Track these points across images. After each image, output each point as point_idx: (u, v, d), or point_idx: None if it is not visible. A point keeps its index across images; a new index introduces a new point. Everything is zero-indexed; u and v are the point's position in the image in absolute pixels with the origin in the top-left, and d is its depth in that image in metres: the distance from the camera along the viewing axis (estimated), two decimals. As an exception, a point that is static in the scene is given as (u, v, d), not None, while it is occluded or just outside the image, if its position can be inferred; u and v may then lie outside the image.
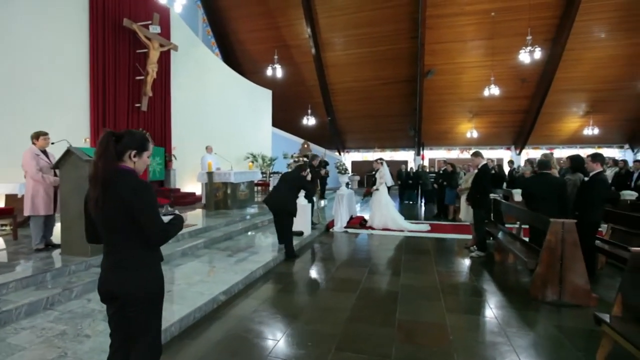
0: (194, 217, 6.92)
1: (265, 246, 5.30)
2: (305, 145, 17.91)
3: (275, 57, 12.34)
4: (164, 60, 9.48)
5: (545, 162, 4.81)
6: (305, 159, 6.91)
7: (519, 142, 16.65)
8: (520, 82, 13.90)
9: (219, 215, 7.00)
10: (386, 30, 13.97)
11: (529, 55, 9.78)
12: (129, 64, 8.61)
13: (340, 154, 20.67)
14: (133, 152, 1.55)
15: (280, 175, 5.34)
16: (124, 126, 8.50)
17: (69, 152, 3.74)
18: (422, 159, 17.78)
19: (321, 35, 14.76)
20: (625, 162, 8.91)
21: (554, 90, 13.62)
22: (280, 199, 4.99)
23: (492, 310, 3.22)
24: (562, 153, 15.88)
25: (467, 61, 13.93)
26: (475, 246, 5.27)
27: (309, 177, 5.39)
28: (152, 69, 8.78)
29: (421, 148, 17.64)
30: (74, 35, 7.30)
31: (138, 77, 8.78)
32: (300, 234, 5.94)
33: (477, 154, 5.20)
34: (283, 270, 4.48)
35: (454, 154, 18.36)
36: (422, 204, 12.61)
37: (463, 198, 5.69)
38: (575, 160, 4.94)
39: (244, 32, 15.38)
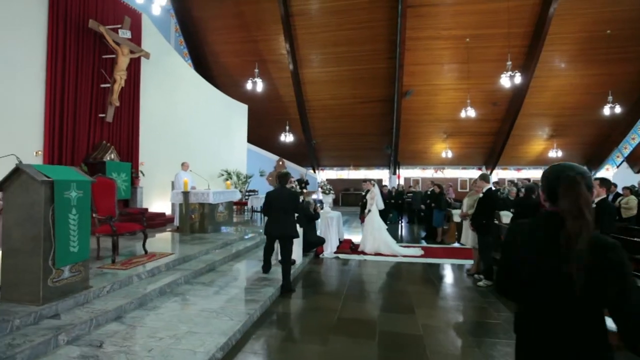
0: (167, 243, 6.10)
1: (256, 279, 4.64)
2: (280, 163, 17.35)
3: (256, 70, 11.84)
4: (134, 68, 8.66)
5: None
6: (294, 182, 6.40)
7: (490, 162, 17.21)
8: (491, 105, 14.44)
9: (196, 240, 6.22)
10: (364, 50, 14.04)
11: (509, 80, 10.11)
12: (93, 70, 7.72)
13: (315, 171, 20.27)
14: None
15: (266, 196, 4.80)
16: (84, 138, 7.55)
17: (18, 171, 2.96)
18: (398, 178, 17.82)
19: (299, 51, 14.53)
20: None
21: (523, 114, 14.27)
22: (286, 228, 4.52)
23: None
24: (529, 174, 16.61)
25: (443, 83, 14.27)
26: (482, 274, 4.97)
27: (297, 189, 5.03)
28: (121, 76, 7.94)
29: (397, 167, 17.69)
30: (29, 35, 6.39)
31: (103, 85, 7.90)
32: (292, 263, 5.34)
33: (483, 177, 4.97)
34: (281, 310, 3.86)
35: (428, 173, 18.62)
36: (403, 224, 12.43)
37: (466, 223, 5.43)
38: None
39: (219, 43, 14.80)
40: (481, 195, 4.94)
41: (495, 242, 5.44)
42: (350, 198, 20.12)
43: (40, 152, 6.64)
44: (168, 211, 9.61)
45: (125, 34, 8.03)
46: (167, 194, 9.83)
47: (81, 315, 2.92)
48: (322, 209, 6.92)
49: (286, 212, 4.53)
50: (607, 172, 15.84)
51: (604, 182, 4.13)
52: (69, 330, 2.67)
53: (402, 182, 17.77)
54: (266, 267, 4.94)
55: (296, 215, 5.60)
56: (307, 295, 4.41)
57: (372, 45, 13.83)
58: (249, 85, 11.90)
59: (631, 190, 7.94)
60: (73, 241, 3.11)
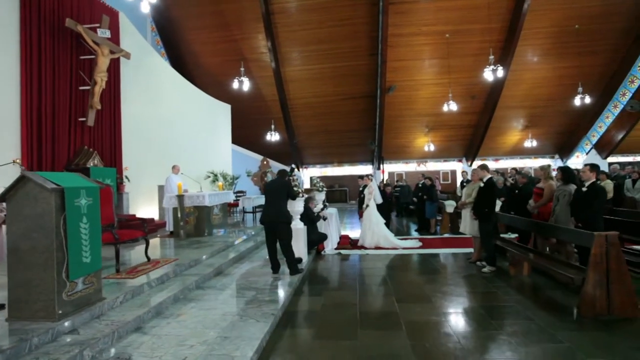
0: (166, 249, 5.89)
1: (268, 280, 4.57)
2: (265, 162, 17.15)
3: (242, 69, 11.62)
4: (113, 69, 8.28)
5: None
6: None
7: (470, 154, 17.78)
8: (470, 99, 14.89)
9: (195, 244, 6.04)
10: (345, 47, 14.08)
11: (492, 74, 10.47)
12: (71, 72, 7.33)
13: (299, 169, 20.20)
14: None
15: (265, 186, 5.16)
16: (64, 143, 7.17)
17: (23, 179, 2.76)
18: (382, 173, 18.06)
19: (281, 49, 14.38)
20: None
21: (500, 106, 14.81)
22: (273, 212, 4.77)
23: (559, 337, 2.95)
24: (507, 163, 17.30)
25: (425, 78, 14.58)
26: (484, 261, 5.14)
27: (293, 183, 5.26)
28: (101, 78, 7.56)
29: (381, 162, 17.92)
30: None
31: (82, 87, 7.51)
32: (299, 260, 5.30)
33: (483, 167, 5.13)
34: (302, 308, 3.82)
35: (411, 167, 18.99)
36: (392, 217, 12.62)
37: (465, 212, 5.59)
38: (566, 172, 5.07)
39: (198, 43, 14.38)
40: (482, 184, 5.09)
41: (495, 229, 5.65)
42: (335, 195, 20.19)
43: (18, 160, 6.22)
44: (156, 216, 9.30)
45: (104, 33, 7.64)
46: (154, 199, 9.50)
47: (101, 328, 2.77)
48: (325, 219, 6.75)
49: (278, 199, 4.83)
50: (577, 159, 16.76)
51: (594, 167, 4.48)
52: (92, 345, 2.53)
53: (386, 176, 18.05)
54: (274, 266, 4.89)
55: (300, 212, 5.60)
56: (323, 291, 4.40)
57: (353, 43, 13.89)
58: (231, 85, 11.67)
59: (607, 175, 8.44)
60: (85, 251, 2.94)
